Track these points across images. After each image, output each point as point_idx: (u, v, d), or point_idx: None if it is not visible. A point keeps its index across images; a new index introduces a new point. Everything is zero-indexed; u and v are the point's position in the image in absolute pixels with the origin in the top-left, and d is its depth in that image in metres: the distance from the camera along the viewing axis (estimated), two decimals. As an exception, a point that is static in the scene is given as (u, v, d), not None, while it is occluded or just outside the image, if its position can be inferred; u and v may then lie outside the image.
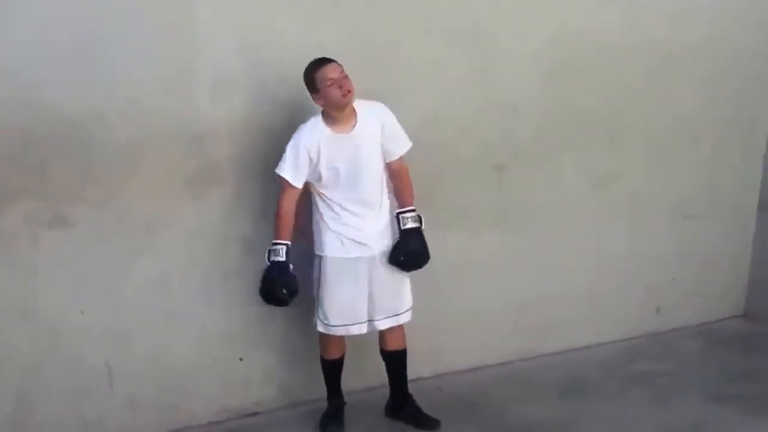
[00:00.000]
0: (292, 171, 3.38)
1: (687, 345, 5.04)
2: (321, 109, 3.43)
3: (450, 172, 4.21)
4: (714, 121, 5.14)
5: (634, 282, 5.02)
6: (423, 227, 3.53)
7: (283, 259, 3.38)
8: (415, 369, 4.05)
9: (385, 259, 3.53)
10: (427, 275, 3.99)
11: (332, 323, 3.54)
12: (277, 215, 3.42)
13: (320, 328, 3.58)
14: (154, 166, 3.49)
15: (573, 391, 4.26)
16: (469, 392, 4.19)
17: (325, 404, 3.82)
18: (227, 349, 3.78)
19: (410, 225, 3.51)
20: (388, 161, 3.52)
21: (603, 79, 4.60)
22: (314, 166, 3.40)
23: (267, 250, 3.43)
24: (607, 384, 4.36)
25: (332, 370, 3.75)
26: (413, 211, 3.55)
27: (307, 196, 3.57)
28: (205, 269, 3.68)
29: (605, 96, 4.63)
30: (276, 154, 3.51)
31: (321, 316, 3.55)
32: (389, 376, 3.78)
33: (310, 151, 3.36)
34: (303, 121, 3.53)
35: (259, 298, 3.51)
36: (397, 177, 3.57)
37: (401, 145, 3.54)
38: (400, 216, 3.53)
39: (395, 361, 3.74)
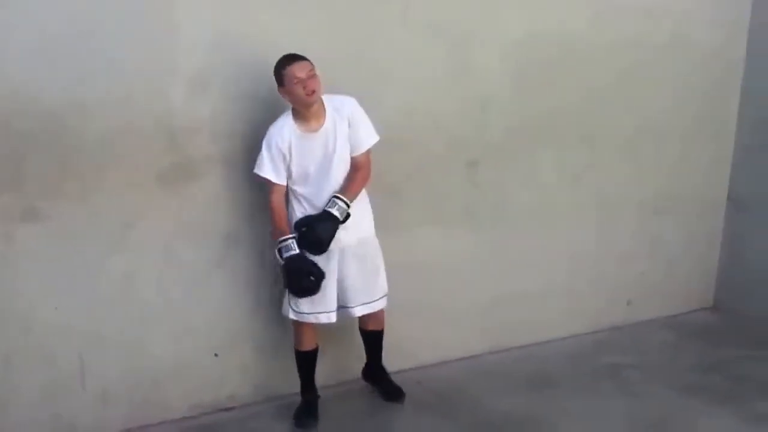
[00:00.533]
0: (272, 170, 3.44)
1: (656, 337, 5.13)
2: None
3: (424, 168, 4.25)
4: (682, 119, 5.24)
5: (605, 276, 5.11)
6: (341, 222, 3.48)
7: (296, 251, 3.42)
8: (393, 362, 4.13)
9: (356, 250, 3.61)
10: (403, 270, 4.07)
11: (303, 310, 3.59)
12: (272, 212, 3.48)
13: (291, 315, 3.63)
14: (131, 161, 3.48)
15: (544, 384, 4.32)
16: (444, 386, 4.23)
17: (299, 399, 3.86)
18: (202, 345, 3.79)
19: (334, 211, 3.45)
20: (352, 155, 3.54)
21: (574, 77, 4.66)
22: (287, 164, 3.45)
23: (276, 250, 3.47)
24: (577, 376, 4.42)
25: (306, 362, 3.79)
26: (345, 203, 3.48)
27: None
28: (182, 265, 3.69)
29: (576, 94, 4.70)
30: (256, 148, 3.55)
31: (292, 304, 3.60)
32: (367, 348, 3.99)
33: (282, 149, 3.42)
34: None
35: (240, 296, 3.62)
36: (355, 169, 3.56)
37: (366, 140, 3.56)
38: (333, 198, 3.47)
39: (373, 339, 3.95)
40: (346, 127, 3.50)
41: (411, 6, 4.04)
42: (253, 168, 3.53)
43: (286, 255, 3.42)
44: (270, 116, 3.60)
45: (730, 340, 5.10)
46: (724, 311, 5.65)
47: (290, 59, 3.36)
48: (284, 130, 3.43)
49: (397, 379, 4.12)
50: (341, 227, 3.47)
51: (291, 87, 3.34)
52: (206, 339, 3.80)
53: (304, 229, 3.47)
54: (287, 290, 3.57)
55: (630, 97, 4.94)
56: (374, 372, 4.05)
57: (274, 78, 3.44)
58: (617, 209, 5.09)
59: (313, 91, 3.34)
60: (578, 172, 4.87)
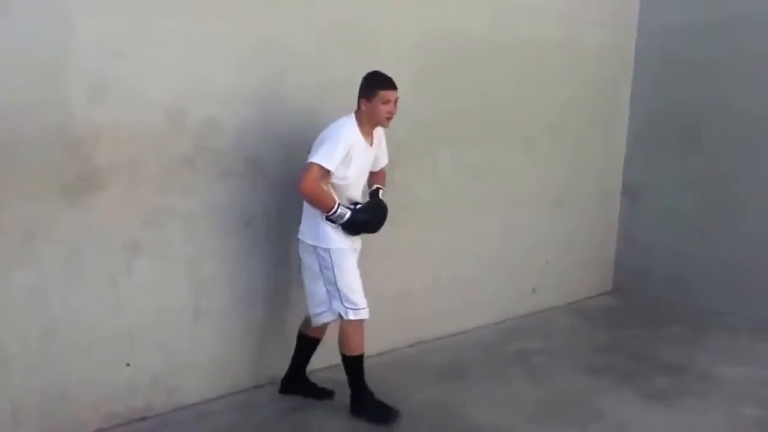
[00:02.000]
0: (333, 163, 3.55)
1: (560, 322, 5.37)
2: (349, 113, 3.71)
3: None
4: (578, 115, 5.49)
5: (510, 267, 5.29)
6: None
7: (349, 212, 3.63)
8: (312, 361, 4.16)
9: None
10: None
11: (362, 306, 3.71)
12: (314, 193, 3.57)
13: (351, 316, 3.69)
14: (30, 171, 3.36)
15: (457, 374, 4.44)
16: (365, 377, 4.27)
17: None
18: (113, 355, 3.71)
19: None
20: (377, 168, 3.93)
21: (473, 77, 4.82)
22: (344, 163, 3.61)
23: (329, 220, 3.62)
24: (488, 364, 4.58)
25: (362, 362, 3.81)
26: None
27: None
28: (87, 276, 3.60)
29: (476, 93, 4.85)
30: (160, 154, 3.53)
31: (350, 305, 3.69)
32: (306, 355, 4.07)
33: (349, 149, 3.61)
34: (182, 124, 3.62)
35: (145, 303, 3.60)
36: (380, 172, 3.99)
37: (386, 158, 3.98)
38: (378, 188, 3.93)
39: (315, 347, 4.08)
40: (378, 147, 3.86)
41: (315, 9, 4.08)
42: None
43: (344, 222, 3.62)
44: (174, 126, 3.63)
45: (628, 321, 5.38)
46: (622, 295, 5.95)
47: (389, 84, 3.64)
48: (356, 133, 3.66)
49: (326, 375, 4.19)
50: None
51: (377, 105, 3.63)
52: (116, 349, 3.72)
53: (373, 203, 3.79)
54: (337, 288, 3.68)
55: (527, 96, 5.13)
56: (298, 377, 4.09)
57: (360, 86, 3.68)
58: (519, 203, 5.28)
59: (391, 119, 3.68)
60: (480, 168, 5.03)
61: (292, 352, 4.15)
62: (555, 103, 5.31)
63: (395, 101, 3.66)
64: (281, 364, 4.21)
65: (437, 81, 4.65)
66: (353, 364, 3.80)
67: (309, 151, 3.64)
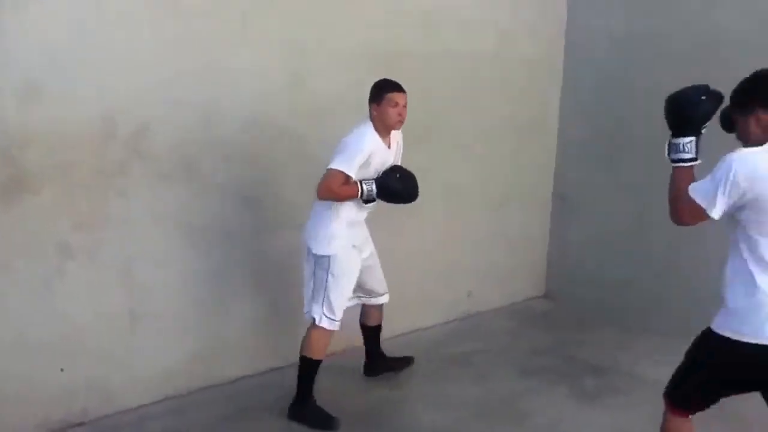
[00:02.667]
0: (350, 167, 3.67)
1: (496, 325, 5.48)
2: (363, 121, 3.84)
3: (273, 174, 4.31)
4: (512, 122, 5.62)
5: (451, 270, 5.38)
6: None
7: (374, 183, 3.75)
8: (254, 365, 4.22)
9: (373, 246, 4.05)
10: (257, 274, 4.13)
11: (338, 319, 3.81)
12: (334, 193, 3.69)
13: (325, 325, 3.78)
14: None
15: (401, 374, 4.50)
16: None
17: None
18: (48, 360, 3.63)
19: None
20: None
21: (409, 85, 4.87)
22: (364, 166, 3.73)
23: (366, 202, 3.76)
24: (428, 366, 4.64)
25: (316, 369, 3.89)
26: None
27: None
28: (20, 281, 3.51)
29: (413, 101, 4.91)
30: (92, 156, 3.50)
31: (329, 314, 3.78)
32: (369, 343, 4.36)
33: (369, 155, 3.74)
34: (117, 129, 3.63)
35: (80, 308, 3.61)
36: None
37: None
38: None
39: (377, 332, 4.36)
40: (397, 149, 4.01)
41: (248, 20, 4.08)
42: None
43: (372, 192, 3.73)
44: (107, 129, 3.60)
45: (560, 324, 5.53)
46: (554, 298, 6.11)
47: (395, 87, 3.81)
48: (374, 138, 3.79)
49: (259, 382, 4.24)
50: (363, 224, 3.96)
51: (386, 108, 3.78)
52: (51, 354, 3.64)
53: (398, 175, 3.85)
54: (324, 293, 3.75)
55: (464, 104, 5.24)
56: (378, 360, 4.38)
57: (370, 92, 3.83)
58: (456, 207, 5.38)
59: (402, 121, 3.83)
60: (418, 173, 5.08)
61: (233, 355, 4.14)
62: (491, 110, 5.43)
63: (404, 104, 3.80)
64: (221, 368, 4.20)
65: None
66: (309, 367, 3.85)
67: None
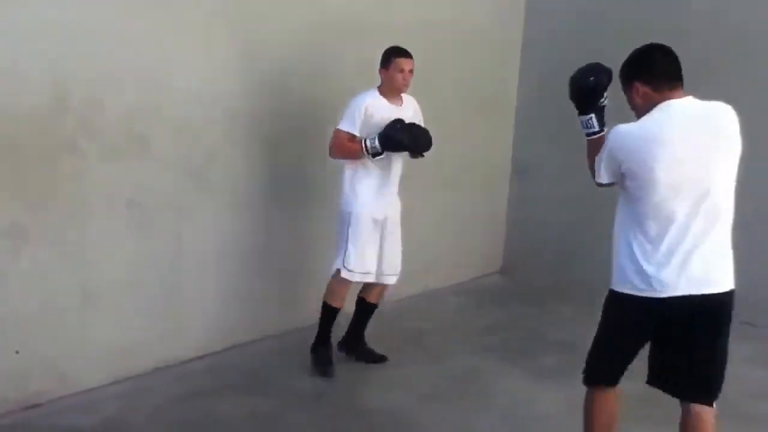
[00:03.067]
0: (350, 125, 4.01)
1: (453, 302, 5.51)
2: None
3: (222, 151, 4.25)
4: (468, 96, 5.59)
5: (405, 246, 5.33)
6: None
7: (376, 136, 3.94)
8: (190, 350, 4.17)
9: (395, 222, 4.25)
10: (211, 254, 4.11)
11: (357, 271, 4.08)
12: (341, 151, 4.06)
13: (344, 275, 4.09)
14: None
15: (349, 356, 4.46)
16: (253, 365, 4.27)
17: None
18: (1, 343, 3.55)
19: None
20: None
21: (362, 58, 4.82)
22: (366, 122, 3.99)
23: (374, 156, 3.96)
24: (382, 345, 4.60)
25: (333, 317, 4.21)
26: None
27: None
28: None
29: (364, 74, 4.86)
30: (40, 139, 3.45)
31: (348, 265, 4.06)
32: (357, 320, 4.43)
33: (364, 109, 4.00)
34: (65, 105, 3.55)
35: (32, 289, 3.55)
36: None
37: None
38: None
39: (370, 311, 4.43)
40: (411, 115, 4.18)
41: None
42: None
43: (377, 146, 3.94)
44: (53, 101, 3.49)
45: (517, 301, 5.59)
46: (511, 275, 6.17)
47: (402, 53, 4.06)
48: (372, 97, 4.06)
49: (213, 362, 4.19)
50: (390, 201, 4.18)
51: (393, 73, 4.04)
52: (4, 336, 3.56)
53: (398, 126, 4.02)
54: (345, 246, 4.04)
55: (418, 78, 5.20)
56: (356, 342, 4.43)
57: (380, 61, 4.06)
58: (411, 184, 5.32)
59: (407, 85, 4.09)
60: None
61: (187, 335, 4.12)
62: (445, 85, 5.38)
63: (410, 70, 4.05)
64: (176, 348, 4.16)
65: (327, 62, 4.67)
66: (326, 312, 4.20)
67: None
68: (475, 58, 5.51)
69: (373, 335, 4.69)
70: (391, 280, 4.29)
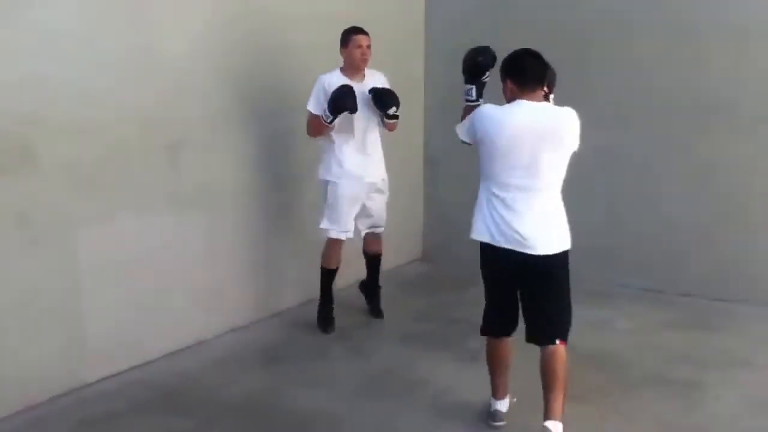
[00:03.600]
0: (313, 104, 4.43)
1: (376, 293, 5.37)
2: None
3: (117, 156, 3.98)
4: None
5: (311, 238, 5.22)
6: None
7: (326, 105, 4.32)
8: (116, 363, 3.94)
9: (380, 186, 4.70)
10: (108, 264, 3.89)
11: (341, 229, 4.56)
12: (312, 128, 4.49)
13: (332, 235, 4.59)
14: None
15: (275, 357, 4.34)
16: (171, 380, 4.04)
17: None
18: None
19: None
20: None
21: (271, 49, 4.73)
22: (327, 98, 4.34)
23: (323, 120, 4.33)
24: (305, 344, 4.51)
25: (330, 277, 4.74)
26: None
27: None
28: None
29: (264, 66, 4.75)
30: None
31: (332, 225, 4.56)
32: (369, 267, 5.01)
33: (324, 87, 4.38)
34: None
35: None
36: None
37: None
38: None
39: (375, 260, 5.00)
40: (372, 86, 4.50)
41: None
42: None
43: (326, 107, 4.31)
44: None
45: (440, 287, 5.53)
46: (432, 261, 6.12)
47: (358, 31, 4.44)
48: (333, 76, 4.44)
49: (122, 380, 3.97)
50: (368, 164, 4.57)
51: (352, 50, 4.42)
52: None
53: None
54: (324, 209, 4.57)
55: (320, 67, 5.10)
56: (371, 287, 4.99)
57: (340, 41, 4.43)
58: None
59: (366, 59, 4.45)
60: (286, 142, 4.92)
61: (82, 355, 3.90)
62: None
63: (368, 45, 4.42)
64: (79, 371, 3.87)
65: (229, 61, 4.51)
66: (323, 275, 4.72)
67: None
68: (383, 47, 5.39)
69: (297, 334, 4.62)
70: (379, 230, 4.84)
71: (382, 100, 4.42)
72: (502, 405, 3.54)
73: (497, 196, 3.25)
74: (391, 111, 4.45)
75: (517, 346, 3.47)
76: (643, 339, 4.56)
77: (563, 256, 3.27)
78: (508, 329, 3.43)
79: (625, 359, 4.25)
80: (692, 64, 5.14)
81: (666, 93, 5.23)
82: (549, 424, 3.18)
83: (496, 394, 3.53)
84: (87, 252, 3.86)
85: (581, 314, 4.92)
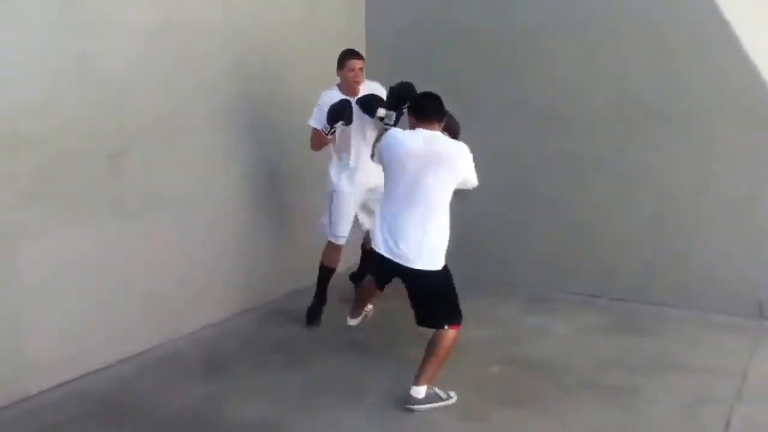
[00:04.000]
0: (315, 120, 4.70)
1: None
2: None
3: (60, 166, 3.93)
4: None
5: (257, 251, 5.23)
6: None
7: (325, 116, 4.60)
8: (55, 376, 3.88)
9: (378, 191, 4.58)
10: (50, 276, 3.81)
11: (340, 235, 4.90)
12: (314, 143, 4.79)
13: (331, 239, 4.92)
14: None
15: (219, 367, 4.31)
16: (111, 390, 4.00)
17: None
18: None
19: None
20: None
21: (210, 62, 4.74)
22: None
23: (323, 131, 4.63)
24: (246, 354, 4.49)
25: (328, 276, 5.02)
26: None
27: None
28: None
29: (224, 76, 4.78)
30: None
31: (334, 231, 4.90)
32: (365, 261, 5.26)
33: (323, 104, 4.64)
34: None
35: None
36: None
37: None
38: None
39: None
40: None
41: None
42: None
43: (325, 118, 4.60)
44: None
45: (386, 294, 5.41)
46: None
47: (354, 55, 4.75)
48: (335, 92, 4.72)
49: (63, 391, 3.91)
50: (373, 174, 4.47)
51: (346, 73, 4.72)
52: None
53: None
54: (330, 218, 4.88)
55: (271, 76, 5.09)
56: (362, 278, 5.05)
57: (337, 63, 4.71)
58: (264, 186, 5.26)
59: (358, 82, 4.74)
60: (228, 153, 4.92)
61: (23, 366, 3.83)
62: (295, 84, 5.31)
63: (360, 68, 4.72)
64: (13, 384, 3.79)
65: (169, 72, 4.48)
66: (321, 271, 5.01)
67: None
68: (327, 55, 5.45)
69: (237, 344, 4.61)
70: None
71: (368, 105, 4.60)
72: (355, 321, 4.55)
73: (390, 211, 3.79)
74: (379, 114, 4.53)
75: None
76: (578, 344, 4.67)
77: (442, 269, 3.80)
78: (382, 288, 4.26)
79: (560, 364, 4.35)
80: (617, 66, 5.26)
81: (595, 96, 5.33)
82: (412, 390, 3.75)
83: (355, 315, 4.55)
84: (28, 264, 3.81)
85: (519, 320, 5.07)
